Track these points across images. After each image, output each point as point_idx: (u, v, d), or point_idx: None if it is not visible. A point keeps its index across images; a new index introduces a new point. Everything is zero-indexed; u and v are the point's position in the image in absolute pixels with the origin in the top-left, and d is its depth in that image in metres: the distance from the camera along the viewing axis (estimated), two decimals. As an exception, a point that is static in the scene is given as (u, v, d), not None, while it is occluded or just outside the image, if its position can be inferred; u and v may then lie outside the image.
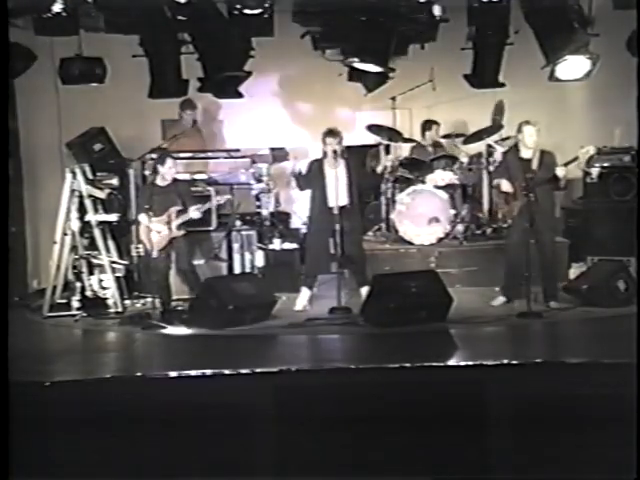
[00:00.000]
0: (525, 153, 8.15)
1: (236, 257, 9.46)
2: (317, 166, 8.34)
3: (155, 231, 8.37)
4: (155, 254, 8.31)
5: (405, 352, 6.76)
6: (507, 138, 9.46)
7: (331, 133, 8.26)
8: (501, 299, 8.27)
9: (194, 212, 8.41)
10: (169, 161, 8.57)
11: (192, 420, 5.61)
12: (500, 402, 5.67)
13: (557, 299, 8.13)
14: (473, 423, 5.57)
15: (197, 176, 9.64)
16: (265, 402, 5.75)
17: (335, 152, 8.16)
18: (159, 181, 8.57)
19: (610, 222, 9.70)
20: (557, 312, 7.98)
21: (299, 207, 10.76)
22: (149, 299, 8.54)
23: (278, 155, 10.24)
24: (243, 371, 6.13)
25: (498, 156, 9.28)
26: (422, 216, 9.51)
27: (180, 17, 8.60)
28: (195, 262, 8.97)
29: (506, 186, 8.17)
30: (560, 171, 7.96)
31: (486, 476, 5.43)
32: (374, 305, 7.75)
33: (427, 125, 10.24)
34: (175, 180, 8.66)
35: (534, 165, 7.99)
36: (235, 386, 6.03)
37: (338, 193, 8.19)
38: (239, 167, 9.82)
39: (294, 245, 9.69)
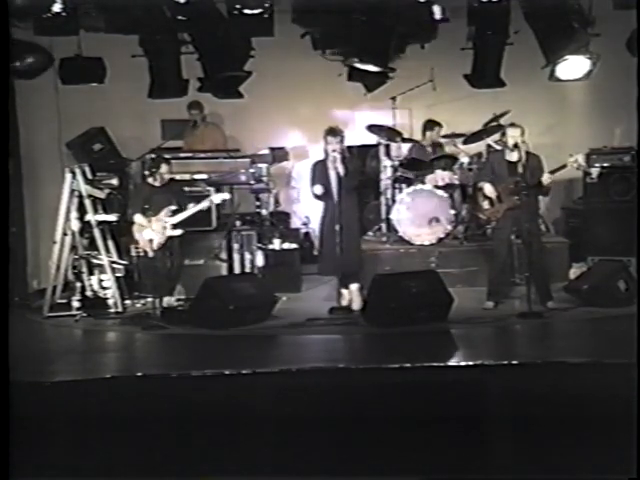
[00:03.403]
0: (510, 156, 8.14)
1: (236, 257, 9.46)
2: (321, 167, 8.33)
3: (150, 231, 8.38)
4: (151, 254, 8.34)
5: (405, 352, 6.76)
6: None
7: (332, 132, 8.24)
8: (490, 303, 8.28)
9: (187, 212, 8.44)
10: (164, 162, 8.62)
11: (192, 420, 5.61)
12: (500, 402, 5.67)
13: (552, 299, 8.14)
14: (473, 423, 5.57)
15: (197, 176, 9.64)
16: (265, 402, 5.75)
17: (335, 151, 8.15)
18: (155, 182, 8.60)
19: (610, 222, 9.71)
20: (557, 312, 7.98)
21: (299, 207, 10.81)
22: (149, 299, 8.55)
23: (278, 155, 10.23)
24: (243, 371, 6.13)
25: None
26: (422, 216, 9.51)
27: (180, 17, 8.61)
28: (195, 262, 8.97)
29: (489, 190, 8.17)
30: (546, 179, 7.96)
31: (486, 476, 5.43)
32: (374, 305, 7.75)
33: (429, 125, 10.21)
34: (171, 180, 8.69)
35: (520, 168, 7.96)
36: (235, 386, 6.03)
37: (338, 192, 8.18)
38: (239, 167, 9.82)
39: (294, 245, 9.69)
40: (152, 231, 8.40)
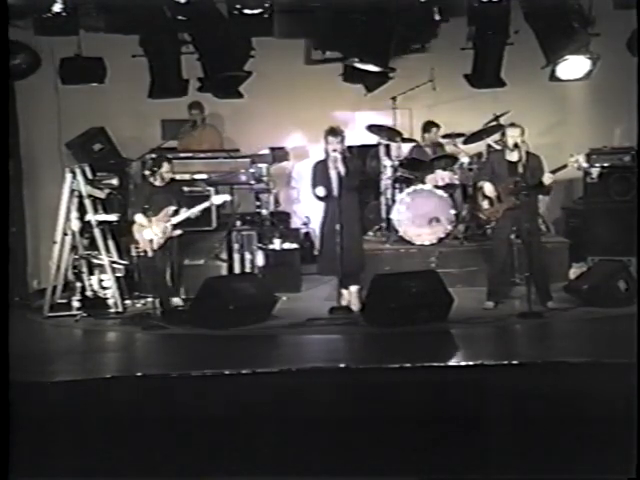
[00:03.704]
0: (510, 156, 8.14)
1: (236, 257, 9.45)
2: (322, 167, 8.32)
3: (151, 231, 8.37)
4: (150, 253, 8.34)
5: (405, 352, 6.76)
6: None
7: (333, 132, 8.23)
8: (490, 303, 8.28)
9: (187, 213, 8.44)
10: (166, 162, 8.60)
11: (192, 420, 5.61)
12: (500, 402, 5.67)
13: (552, 299, 8.14)
14: (473, 423, 5.56)
15: (197, 176, 9.64)
16: (265, 402, 5.75)
17: (336, 151, 8.13)
18: (156, 181, 8.59)
19: (610, 222, 9.71)
20: (557, 312, 7.98)
21: (299, 207, 10.81)
22: (149, 299, 8.55)
23: (278, 155, 10.23)
24: (243, 371, 6.13)
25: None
26: (422, 216, 9.51)
27: (180, 17, 8.61)
28: (195, 262, 8.97)
29: (489, 189, 8.18)
30: (547, 179, 7.97)
31: (486, 476, 5.43)
32: (374, 305, 7.75)
33: (427, 127, 10.21)
34: (172, 180, 8.69)
35: (520, 168, 7.97)
36: (235, 386, 6.03)
37: (339, 192, 8.16)
38: (239, 167, 9.82)
39: (294, 245, 9.69)
40: (152, 231, 8.39)
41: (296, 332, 7.75)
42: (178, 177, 9.17)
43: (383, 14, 8.63)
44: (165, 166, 8.57)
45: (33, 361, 6.74)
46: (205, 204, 8.64)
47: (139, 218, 8.44)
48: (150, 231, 8.39)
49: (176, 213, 8.46)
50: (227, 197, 8.92)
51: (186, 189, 9.19)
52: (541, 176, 7.98)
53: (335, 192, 8.15)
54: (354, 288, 8.31)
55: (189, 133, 10.28)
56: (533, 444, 5.47)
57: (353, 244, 8.24)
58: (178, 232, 8.48)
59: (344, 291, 8.33)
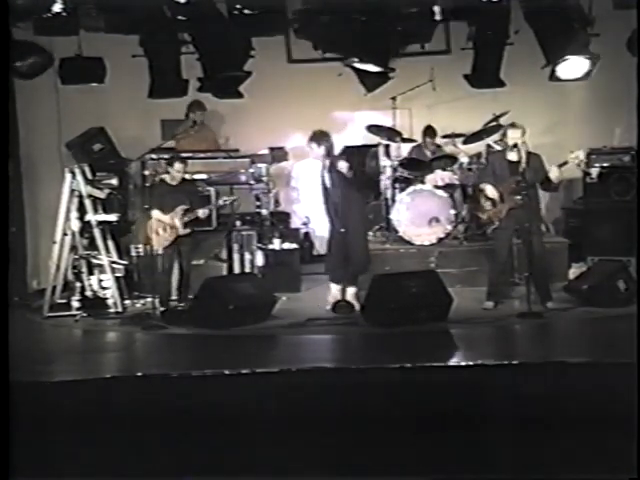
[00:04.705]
0: (511, 156, 8.14)
1: (236, 257, 9.46)
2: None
3: (162, 228, 8.38)
4: (161, 251, 8.34)
5: (405, 352, 6.76)
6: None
7: (314, 137, 8.23)
8: (490, 303, 8.27)
9: (202, 212, 8.47)
10: (179, 161, 8.61)
11: (192, 420, 5.61)
12: (500, 402, 5.67)
13: (552, 299, 8.13)
14: (473, 423, 5.56)
15: (197, 176, 9.63)
16: (265, 402, 5.75)
17: (329, 155, 8.12)
18: (169, 180, 8.61)
19: (610, 222, 9.72)
20: (557, 312, 7.98)
21: (299, 207, 10.81)
22: (149, 299, 8.55)
23: (278, 155, 10.23)
24: (243, 371, 6.13)
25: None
26: (422, 216, 9.52)
27: (180, 17, 8.61)
28: (195, 262, 8.98)
29: (491, 191, 8.17)
30: (554, 173, 7.95)
31: (486, 476, 5.43)
32: (374, 305, 7.75)
33: (427, 132, 10.23)
34: (184, 180, 8.69)
35: (521, 168, 7.95)
36: (235, 386, 6.03)
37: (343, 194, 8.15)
38: (239, 167, 9.83)
39: (294, 245, 9.70)
40: (163, 229, 8.40)
41: (296, 332, 7.76)
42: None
43: (383, 14, 8.62)
44: (177, 165, 8.58)
45: (33, 361, 6.74)
46: (214, 204, 8.68)
47: (155, 214, 8.43)
48: (162, 229, 8.39)
49: (187, 212, 8.47)
50: (234, 197, 9.00)
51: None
52: (543, 175, 7.96)
53: (339, 194, 8.11)
54: (352, 290, 8.32)
55: (188, 133, 10.27)
56: (533, 444, 5.47)
57: (359, 245, 8.25)
58: (187, 231, 8.50)
59: (335, 287, 8.34)
